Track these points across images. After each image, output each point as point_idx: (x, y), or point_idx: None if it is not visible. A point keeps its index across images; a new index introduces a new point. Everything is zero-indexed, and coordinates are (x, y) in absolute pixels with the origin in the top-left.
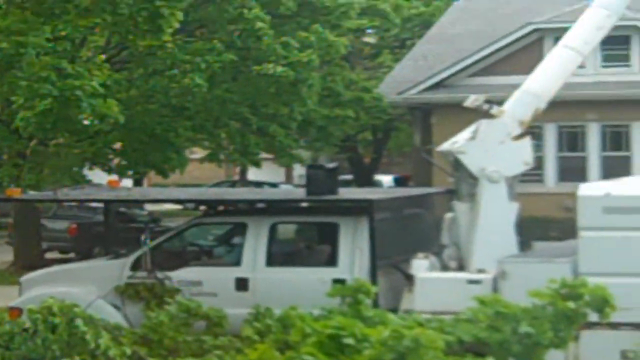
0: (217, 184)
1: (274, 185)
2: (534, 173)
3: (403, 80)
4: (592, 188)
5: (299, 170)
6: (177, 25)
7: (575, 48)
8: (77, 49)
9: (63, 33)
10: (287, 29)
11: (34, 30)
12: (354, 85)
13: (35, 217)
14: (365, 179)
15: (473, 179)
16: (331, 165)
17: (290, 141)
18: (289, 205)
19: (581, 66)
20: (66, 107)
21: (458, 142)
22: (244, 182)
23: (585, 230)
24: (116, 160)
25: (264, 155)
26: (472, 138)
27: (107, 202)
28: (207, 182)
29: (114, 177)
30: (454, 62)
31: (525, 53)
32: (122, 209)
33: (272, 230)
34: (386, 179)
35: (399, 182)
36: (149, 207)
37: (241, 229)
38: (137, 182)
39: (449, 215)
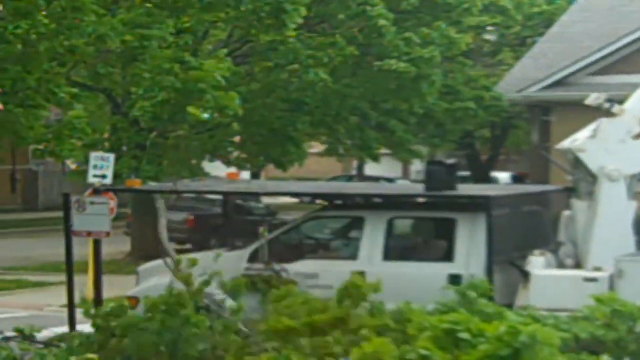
0: (335, 178)
1: (390, 180)
2: None
3: (523, 78)
4: None
5: (416, 166)
6: (300, 20)
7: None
8: (200, 43)
9: (186, 26)
10: (408, 25)
11: (157, 24)
12: (474, 83)
13: (153, 208)
14: (482, 176)
15: (592, 178)
16: (451, 161)
17: (409, 136)
18: (407, 201)
19: None
20: (188, 99)
21: (578, 140)
22: (362, 176)
23: None
24: (236, 154)
25: (382, 150)
26: (593, 136)
27: (226, 194)
28: (325, 176)
29: (233, 170)
30: (574, 60)
31: None
32: (240, 202)
33: (390, 225)
34: (503, 177)
35: (517, 179)
36: (266, 200)
37: (359, 223)
38: (255, 176)
39: (566, 213)
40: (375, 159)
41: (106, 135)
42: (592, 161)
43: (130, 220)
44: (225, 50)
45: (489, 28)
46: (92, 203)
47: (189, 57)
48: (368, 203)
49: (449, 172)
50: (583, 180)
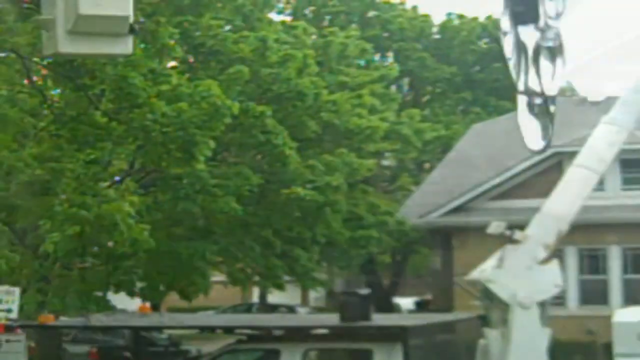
0: (235, 307)
1: (291, 308)
2: (556, 296)
3: (423, 203)
4: (628, 314)
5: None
6: (209, 152)
7: (590, 167)
8: (102, 172)
9: (92, 157)
10: (310, 152)
11: (68, 157)
12: (376, 209)
13: (57, 341)
14: (383, 301)
15: (504, 305)
16: (364, 291)
17: (312, 264)
18: (322, 332)
19: (601, 189)
20: (100, 231)
21: (486, 271)
22: (263, 305)
23: (621, 357)
24: (140, 284)
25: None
26: (499, 266)
27: (141, 329)
28: (225, 305)
29: (138, 301)
30: (473, 185)
31: (545, 176)
32: (143, 333)
33: (305, 356)
34: (405, 302)
35: (420, 306)
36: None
37: (274, 356)
38: (155, 307)
39: (481, 341)
40: (280, 287)
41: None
42: (501, 290)
43: (33, 354)
44: (134, 183)
45: (387, 154)
46: (7, 341)
47: (105, 189)
48: (283, 335)
49: (363, 302)
50: (495, 308)
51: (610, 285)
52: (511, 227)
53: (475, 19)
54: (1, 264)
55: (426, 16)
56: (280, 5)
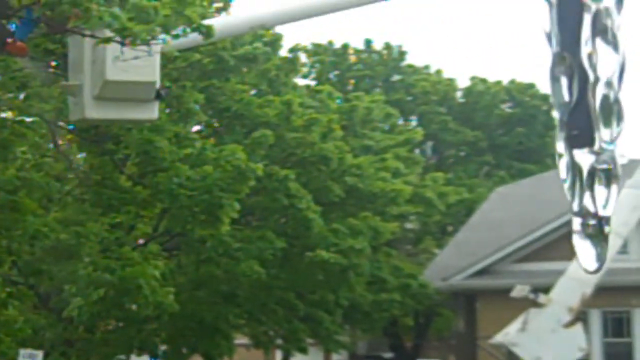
0: None
1: None
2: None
3: (447, 266)
4: None
5: (337, 356)
6: (234, 215)
7: (614, 230)
8: (126, 236)
9: (117, 221)
10: (334, 216)
11: (92, 221)
12: (399, 272)
13: None
14: None
15: None
16: (387, 354)
17: (335, 327)
18: None
19: (625, 252)
20: (124, 295)
21: (509, 334)
22: None
23: None
24: (163, 347)
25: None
26: (523, 329)
27: None
28: None
29: None
30: (497, 248)
31: (569, 239)
32: None
33: None
34: None
35: None
36: None
37: None
38: None
39: None
40: (303, 350)
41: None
42: (526, 354)
43: None
44: (157, 246)
45: (411, 217)
46: None
47: (130, 252)
48: None
49: None
50: None
51: (634, 348)
52: (535, 290)
53: (498, 82)
54: (25, 328)
55: (451, 80)
56: (305, 69)
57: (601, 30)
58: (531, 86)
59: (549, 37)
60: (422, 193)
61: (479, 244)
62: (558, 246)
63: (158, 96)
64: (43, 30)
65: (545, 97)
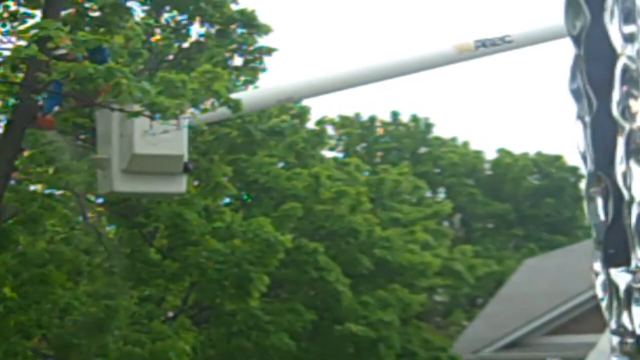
0: None
1: None
2: None
3: (476, 338)
4: None
5: None
6: (264, 288)
7: None
8: (156, 309)
9: (146, 294)
10: (363, 288)
11: (122, 294)
12: (429, 345)
13: None
14: None
15: None
16: None
17: None
18: None
19: None
20: None
21: None
22: None
23: None
24: None
25: None
26: None
27: None
28: None
29: None
30: (527, 321)
31: (599, 311)
32: None
33: None
34: None
35: None
36: None
37: None
38: None
39: None
40: None
41: None
42: None
43: None
44: (187, 320)
45: (440, 289)
46: None
47: (160, 326)
48: None
49: None
50: None
51: None
52: None
53: (526, 154)
54: None
55: (478, 152)
56: (333, 142)
57: (635, 149)
58: (558, 158)
59: (583, 156)
60: (451, 265)
61: (508, 317)
62: (588, 319)
63: (186, 170)
64: (72, 104)
65: (572, 169)
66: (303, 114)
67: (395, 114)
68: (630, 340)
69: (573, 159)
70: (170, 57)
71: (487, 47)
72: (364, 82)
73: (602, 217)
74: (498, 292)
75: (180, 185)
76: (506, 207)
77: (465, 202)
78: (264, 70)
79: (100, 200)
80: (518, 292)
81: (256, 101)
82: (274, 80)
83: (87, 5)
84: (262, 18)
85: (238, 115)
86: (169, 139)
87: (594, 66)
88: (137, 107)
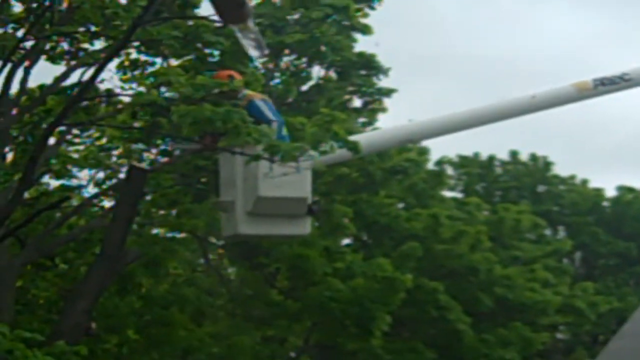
0: None
1: None
2: None
3: None
4: None
5: None
6: (386, 327)
7: None
8: (278, 349)
9: (269, 333)
10: (484, 326)
11: (244, 335)
12: None
13: None
14: None
15: None
16: None
17: None
18: None
19: None
20: None
21: None
22: None
23: None
24: None
25: None
26: None
27: None
28: None
29: None
30: None
31: None
32: None
33: None
34: None
35: None
36: None
37: None
38: None
39: None
40: None
41: None
42: None
43: None
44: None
45: (561, 327)
46: None
47: None
48: None
49: None
50: None
51: None
52: None
53: None
54: None
55: (598, 190)
56: (452, 181)
57: None
58: None
59: None
60: (572, 303)
61: (632, 353)
62: None
63: (310, 212)
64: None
65: None
66: (422, 154)
67: (514, 153)
68: None
69: None
70: (290, 100)
71: (606, 85)
72: (482, 123)
73: None
74: (620, 329)
75: (304, 227)
76: (629, 245)
77: (586, 240)
78: (383, 110)
79: (221, 243)
80: None
81: (376, 143)
82: (393, 121)
83: (207, 51)
84: (381, 59)
85: (358, 156)
86: (293, 181)
87: None
88: (257, 150)
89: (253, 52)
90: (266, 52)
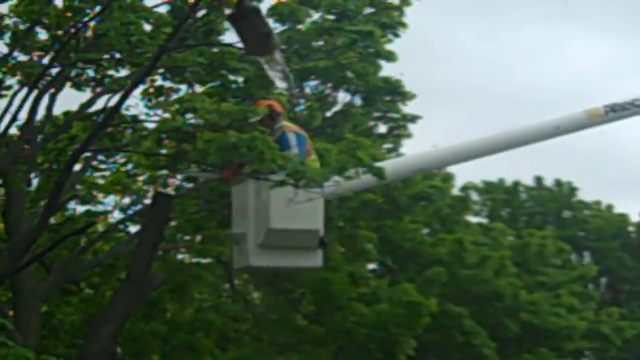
0: None
1: None
2: None
3: None
4: None
5: None
6: (412, 352)
7: None
8: None
9: (295, 359)
10: (510, 352)
11: (270, 358)
12: None
13: None
14: None
15: None
16: None
17: None
18: None
19: None
20: None
21: None
22: None
23: None
24: None
25: None
26: None
27: None
28: None
29: None
30: None
31: None
32: None
33: None
34: None
35: None
36: None
37: None
38: None
39: None
40: None
41: None
42: None
43: None
44: None
45: (588, 353)
46: None
47: None
48: None
49: None
50: None
51: None
52: None
53: None
54: None
55: (623, 216)
56: (477, 207)
57: None
58: None
59: None
60: (598, 328)
61: None
62: None
63: (322, 244)
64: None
65: None
66: (448, 180)
67: (538, 179)
68: None
69: None
70: (316, 126)
71: (617, 112)
72: (501, 150)
73: None
74: None
75: (316, 259)
76: None
77: (612, 265)
78: (408, 136)
79: None
80: None
81: (401, 169)
82: (418, 147)
83: (231, 77)
84: (407, 84)
85: (383, 183)
86: (305, 213)
87: None
88: (280, 177)
89: (280, 85)
90: (293, 84)
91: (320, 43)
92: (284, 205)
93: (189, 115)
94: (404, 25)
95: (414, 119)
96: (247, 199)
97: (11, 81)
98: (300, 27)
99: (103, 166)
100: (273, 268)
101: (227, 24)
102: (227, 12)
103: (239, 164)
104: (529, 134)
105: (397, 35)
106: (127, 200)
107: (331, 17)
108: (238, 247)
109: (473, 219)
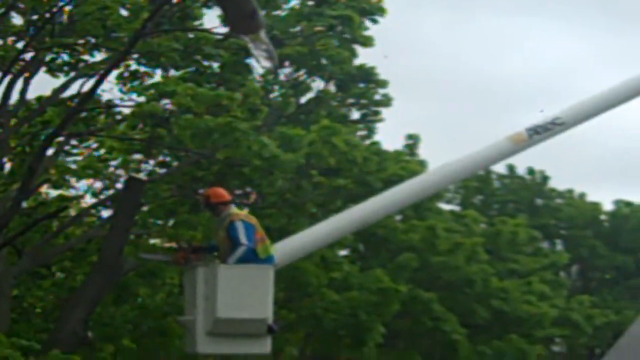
0: None
1: None
2: None
3: None
4: None
5: None
6: (380, 338)
7: None
8: (273, 359)
9: None
10: (480, 338)
11: None
12: None
13: None
14: None
15: None
16: None
17: None
18: None
19: None
20: None
21: None
22: None
23: None
24: None
25: None
26: None
27: None
28: None
29: None
30: None
31: None
32: None
33: None
34: None
35: None
36: None
37: None
38: None
39: None
40: None
41: None
42: None
43: None
44: None
45: (557, 340)
46: None
47: None
48: None
49: None
50: None
51: None
52: None
53: None
54: None
55: (595, 204)
56: (450, 195)
57: None
58: None
59: None
60: (569, 315)
61: None
62: None
63: (270, 331)
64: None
65: None
66: (421, 165)
67: (511, 167)
68: None
69: None
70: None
71: (540, 133)
72: (424, 196)
73: None
74: (616, 342)
75: (264, 346)
76: (626, 258)
77: (584, 253)
78: (380, 121)
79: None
80: (637, 342)
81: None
82: (390, 131)
83: (206, 63)
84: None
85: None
86: (252, 302)
87: None
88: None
89: (265, 63)
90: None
91: (298, 28)
92: (232, 293)
93: (164, 101)
94: (382, 11)
95: (387, 102)
96: (197, 285)
97: None
98: (278, 12)
99: (76, 150)
100: (220, 354)
101: (203, 10)
102: None
103: (192, 248)
104: (459, 170)
105: (375, 22)
106: (99, 185)
107: (311, 3)
108: (189, 332)
109: (445, 206)
